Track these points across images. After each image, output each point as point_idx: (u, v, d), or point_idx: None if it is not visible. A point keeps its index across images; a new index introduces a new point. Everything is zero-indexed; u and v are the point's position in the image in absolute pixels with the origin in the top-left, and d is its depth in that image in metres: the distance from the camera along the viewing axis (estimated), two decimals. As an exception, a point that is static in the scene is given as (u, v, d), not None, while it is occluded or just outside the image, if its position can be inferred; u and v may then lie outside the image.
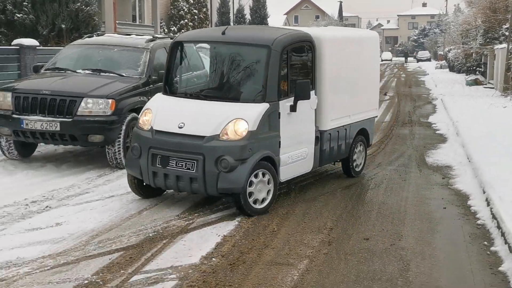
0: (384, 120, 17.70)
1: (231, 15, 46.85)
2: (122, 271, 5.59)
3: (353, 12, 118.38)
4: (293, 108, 7.73)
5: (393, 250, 6.43)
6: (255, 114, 7.29)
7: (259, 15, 50.92)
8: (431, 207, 8.22)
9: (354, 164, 9.75)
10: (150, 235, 6.66)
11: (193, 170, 7.16)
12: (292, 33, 8.19)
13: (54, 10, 18.24)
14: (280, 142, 7.62)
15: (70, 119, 9.24)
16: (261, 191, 7.42)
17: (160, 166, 7.37)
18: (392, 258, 6.19)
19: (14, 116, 9.56)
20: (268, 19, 51.56)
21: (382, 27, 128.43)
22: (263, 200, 7.50)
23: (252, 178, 7.25)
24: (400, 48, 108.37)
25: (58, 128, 9.30)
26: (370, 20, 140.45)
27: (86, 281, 5.33)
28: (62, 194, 7.99)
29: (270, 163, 7.48)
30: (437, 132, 15.50)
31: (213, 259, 5.99)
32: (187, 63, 8.97)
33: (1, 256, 5.84)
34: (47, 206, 7.65)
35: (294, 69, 8.28)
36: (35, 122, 9.38)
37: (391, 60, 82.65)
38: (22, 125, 9.47)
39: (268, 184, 7.50)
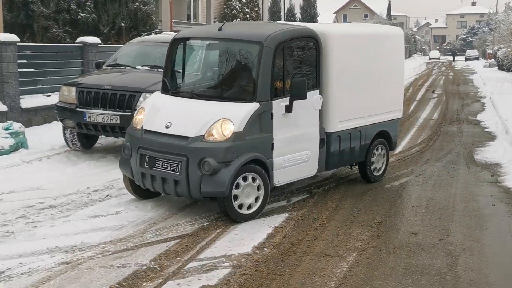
0: (432, 118, 17.37)
1: (282, 14, 46.77)
2: (178, 258, 5.68)
3: (402, 11, 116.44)
4: (288, 109, 7.01)
5: (442, 245, 6.31)
6: (242, 114, 6.66)
7: (309, 14, 50.67)
8: (480, 204, 8.04)
9: (372, 168, 8.86)
10: (205, 224, 6.74)
11: (177, 172, 6.60)
12: (291, 29, 7.48)
13: (114, 10, 18.61)
14: (273, 144, 6.96)
15: (129, 113, 9.42)
16: (248, 196, 6.78)
17: (147, 167, 6.85)
18: (440, 253, 6.08)
19: (78, 109, 9.82)
20: (318, 18, 51.22)
21: (430, 26, 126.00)
22: (250, 206, 6.85)
23: (240, 181, 6.67)
24: (448, 47, 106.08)
25: (118, 121, 9.50)
26: (419, 19, 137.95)
27: (144, 267, 5.44)
28: (121, 184, 8.16)
29: (261, 166, 6.85)
30: (485, 130, 15.11)
31: (265, 249, 6.02)
32: (184, 61, 8.03)
33: (67, 240, 6.02)
34: (107, 195, 7.83)
35: (292, 68, 7.45)
36: (97, 115, 9.61)
37: (438, 58, 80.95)
38: (85, 118, 9.71)
39: (258, 190, 6.86)
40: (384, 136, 9.00)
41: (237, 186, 6.64)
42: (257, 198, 6.87)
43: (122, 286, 4.99)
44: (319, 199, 7.98)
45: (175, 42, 7.92)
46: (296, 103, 7.06)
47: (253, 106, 6.74)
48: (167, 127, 6.81)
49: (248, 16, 37.45)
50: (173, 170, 6.64)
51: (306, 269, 5.55)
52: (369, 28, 10.27)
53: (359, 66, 8.29)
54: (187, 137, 6.61)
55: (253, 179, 6.78)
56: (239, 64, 7.48)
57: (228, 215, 6.70)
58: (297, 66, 7.58)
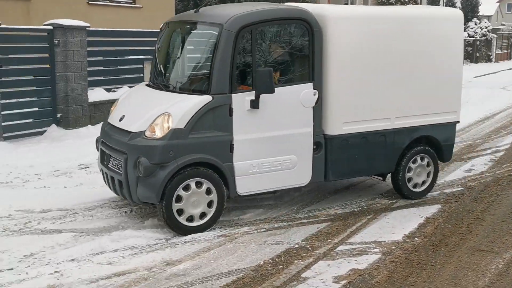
0: None
1: (440, 3, 44.67)
2: (329, 240, 5.72)
3: None
4: (254, 104, 5.70)
5: None
6: (184, 109, 5.52)
7: (470, 3, 47.82)
8: None
9: (409, 182, 7.03)
10: (355, 210, 6.71)
11: (120, 172, 5.74)
12: (266, 9, 6.05)
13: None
14: (232, 145, 5.72)
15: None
16: (196, 205, 5.64)
17: (105, 163, 6.07)
18: None
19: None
20: (479, 7, 48.18)
21: None
22: (201, 216, 5.71)
23: (180, 191, 5.55)
24: None
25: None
26: None
27: (296, 245, 5.55)
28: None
29: (215, 171, 5.70)
30: None
31: (416, 238, 5.85)
32: (167, 48, 6.74)
33: (225, 215, 6.32)
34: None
35: (268, 56, 6.17)
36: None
37: None
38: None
39: (208, 196, 5.72)
40: (429, 143, 7.15)
41: (178, 197, 5.56)
42: (210, 206, 5.74)
43: (275, 262, 5.13)
44: (474, 192, 7.56)
45: (162, 27, 6.81)
46: (276, 98, 5.81)
47: (202, 100, 5.55)
48: (120, 120, 5.97)
49: (405, 5, 36.26)
50: (118, 169, 5.79)
51: (458, 262, 5.31)
52: (403, 10, 7.89)
53: (378, 56, 6.54)
54: (130, 133, 5.69)
55: (203, 186, 5.65)
56: (199, 50, 6.31)
57: (170, 226, 5.62)
58: (277, 54, 6.24)
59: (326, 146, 6.29)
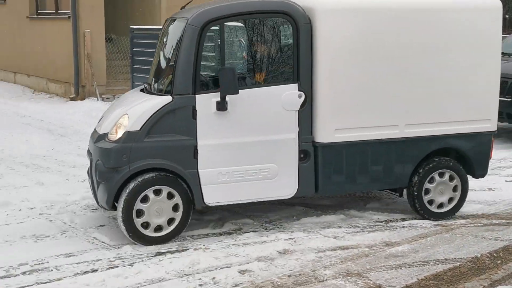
0: None
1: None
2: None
3: None
4: (220, 106, 5.02)
5: None
6: (141, 110, 5.04)
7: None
8: None
9: (427, 200, 5.79)
10: None
11: (89, 175, 5.45)
12: (242, 2, 5.37)
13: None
14: (197, 151, 5.08)
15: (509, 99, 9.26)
16: (159, 214, 5.05)
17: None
18: None
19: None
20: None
21: None
22: (159, 228, 5.09)
23: (139, 204, 5.01)
24: None
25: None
26: None
27: (516, 243, 5.29)
28: (495, 165, 8.16)
29: (181, 179, 5.10)
30: None
31: None
32: (157, 49, 6.11)
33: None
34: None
35: (241, 53, 5.68)
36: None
37: None
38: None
39: (175, 209, 5.11)
40: (458, 156, 5.92)
41: (144, 200, 5.00)
42: (171, 219, 5.12)
43: (493, 257, 5.04)
44: None
45: (163, 25, 6.19)
46: (250, 100, 5.15)
47: (161, 101, 5.04)
48: (99, 125, 5.58)
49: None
50: (87, 172, 5.55)
51: None
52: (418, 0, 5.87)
53: (383, 53, 5.45)
54: (99, 135, 5.31)
55: (163, 192, 5.06)
56: (170, 49, 5.58)
57: (133, 239, 5.06)
58: (253, 51, 5.66)
59: (316, 156, 5.38)
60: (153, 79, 5.63)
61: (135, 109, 5.11)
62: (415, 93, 5.58)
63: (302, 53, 5.25)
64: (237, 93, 4.98)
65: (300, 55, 5.25)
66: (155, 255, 4.88)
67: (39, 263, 4.72)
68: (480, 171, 6.02)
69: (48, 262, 4.75)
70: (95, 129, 5.57)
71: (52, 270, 4.60)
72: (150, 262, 4.74)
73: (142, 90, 5.60)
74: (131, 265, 4.69)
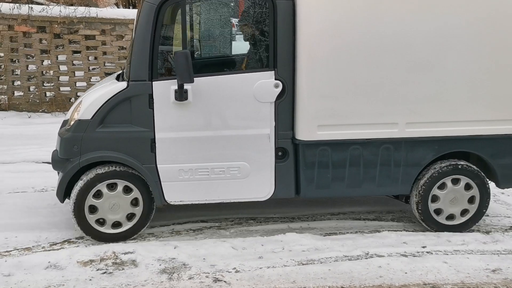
0: None
1: None
2: None
3: None
4: (178, 95, 4.32)
5: None
6: (93, 97, 4.49)
7: None
8: None
9: (433, 210, 4.76)
10: None
11: None
12: None
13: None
14: (154, 144, 4.44)
15: None
16: (115, 210, 4.50)
17: None
18: None
19: None
20: None
21: None
22: (117, 224, 4.53)
23: (91, 199, 4.43)
24: None
25: None
26: None
27: None
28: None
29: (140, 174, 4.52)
30: None
31: None
32: None
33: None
34: None
35: (208, 36, 5.02)
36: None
37: None
38: None
39: (134, 204, 4.53)
40: (477, 161, 4.91)
41: (98, 196, 4.46)
42: (131, 215, 4.54)
43: None
44: None
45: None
46: (215, 89, 4.42)
47: (115, 87, 4.44)
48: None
49: None
50: None
51: None
52: None
53: (379, 36, 4.41)
54: (64, 120, 4.87)
55: (118, 186, 4.50)
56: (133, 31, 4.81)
57: (84, 232, 4.51)
58: (221, 33, 5.11)
59: (296, 154, 4.60)
60: (125, 64, 4.98)
61: (89, 95, 4.55)
62: (419, 86, 4.54)
63: (280, 34, 4.39)
64: (192, 81, 4.23)
65: (278, 38, 4.38)
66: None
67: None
68: (505, 180, 4.91)
69: None
70: None
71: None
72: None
73: (118, 76, 4.96)
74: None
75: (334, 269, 3.91)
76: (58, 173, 4.62)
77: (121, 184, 4.46)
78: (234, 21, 4.98)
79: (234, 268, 3.92)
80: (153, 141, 4.42)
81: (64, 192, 4.45)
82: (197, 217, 4.94)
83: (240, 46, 4.82)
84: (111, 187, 4.47)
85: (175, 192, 4.53)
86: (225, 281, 3.75)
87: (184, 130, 4.43)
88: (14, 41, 8.90)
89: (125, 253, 4.16)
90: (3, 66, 8.91)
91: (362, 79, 4.43)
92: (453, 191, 4.75)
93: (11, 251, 4.27)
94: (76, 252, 4.17)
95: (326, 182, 4.60)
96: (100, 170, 4.41)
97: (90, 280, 3.79)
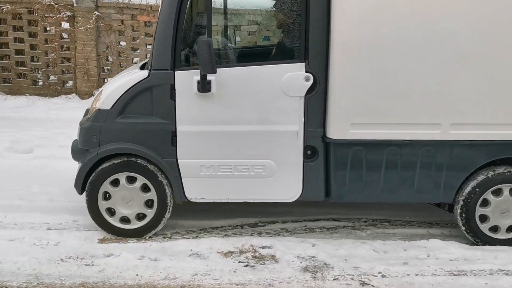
0: None
1: None
2: None
3: None
4: (201, 87, 4.01)
5: None
6: (114, 86, 4.24)
7: None
8: None
9: (482, 220, 4.24)
10: None
11: None
12: None
13: None
14: (175, 137, 4.17)
15: None
16: (129, 204, 4.29)
17: None
18: None
19: None
20: None
21: None
22: (139, 217, 4.33)
23: (107, 185, 4.24)
24: None
25: None
26: None
27: None
28: None
29: (158, 168, 4.25)
30: None
31: None
32: None
33: None
34: None
35: (234, 23, 4.59)
36: None
37: None
38: None
39: (143, 198, 4.29)
40: None
41: (115, 184, 4.27)
42: (142, 214, 4.33)
43: None
44: None
45: None
46: (241, 81, 4.08)
47: (136, 76, 4.17)
48: None
49: None
50: None
51: None
52: None
53: (424, 28, 3.88)
54: (87, 109, 4.71)
55: (137, 182, 4.28)
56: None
57: (99, 226, 4.37)
58: (249, 21, 4.65)
59: (327, 154, 4.21)
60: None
61: (110, 84, 4.33)
62: (467, 83, 3.99)
63: (313, 23, 3.98)
64: (214, 72, 3.92)
65: (311, 26, 3.98)
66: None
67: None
68: None
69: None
70: None
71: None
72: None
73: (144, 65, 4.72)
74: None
75: (491, 283, 3.69)
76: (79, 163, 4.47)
77: (140, 180, 4.25)
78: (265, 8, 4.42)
79: (380, 273, 3.79)
80: (174, 134, 4.16)
81: (82, 184, 4.28)
82: (328, 215, 4.84)
83: (269, 35, 4.35)
84: (130, 180, 4.27)
85: (196, 189, 4.29)
86: (372, 286, 3.64)
87: (207, 123, 4.14)
88: (135, 31, 9.17)
89: (263, 247, 4.14)
90: (123, 55, 9.21)
91: (403, 73, 3.95)
92: (504, 202, 4.20)
93: (151, 237, 4.37)
94: (214, 242, 4.20)
95: (359, 185, 4.19)
96: (118, 161, 4.21)
97: (235, 272, 3.79)
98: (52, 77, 9.39)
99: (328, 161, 4.19)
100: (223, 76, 4.04)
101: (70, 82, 9.35)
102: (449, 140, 4.06)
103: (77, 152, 4.33)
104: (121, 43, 9.27)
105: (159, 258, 3.95)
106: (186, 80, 4.06)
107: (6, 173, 5.66)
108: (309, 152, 4.19)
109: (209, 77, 4.00)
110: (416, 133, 4.05)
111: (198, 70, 3.98)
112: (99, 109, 4.19)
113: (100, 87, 8.72)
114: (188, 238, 4.32)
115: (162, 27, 4.06)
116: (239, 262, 3.94)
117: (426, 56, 3.90)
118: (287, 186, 4.25)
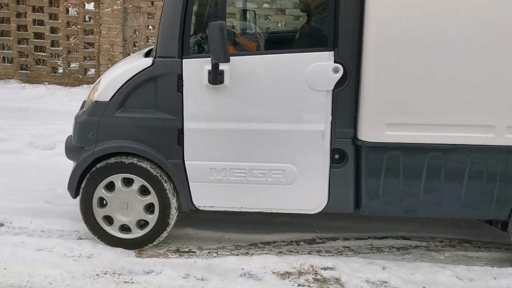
0: None
1: None
2: None
3: None
4: (212, 77, 3.46)
5: None
6: (112, 75, 3.69)
7: None
8: None
9: None
10: None
11: None
12: None
13: None
14: (182, 135, 3.61)
15: None
16: (127, 210, 3.72)
17: None
18: None
19: None
20: None
21: None
22: (140, 224, 3.78)
23: (101, 190, 3.70)
24: None
25: None
26: None
27: None
28: None
29: (162, 170, 3.69)
30: None
31: None
32: None
33: None
34: None
35: (252, 7, 3.97)
36: None
37: None
38: None
39: (142, 202, 3.72)
40: None
41: (110, 187, 3.73)
42: (144, 223, 3.79)
43: None
44: None
45: None
46: (261, 71, 3.51)
47: (137, 65, 3.62)
48: None
49: None
50: None
51: None
52: None
53: (470, 12, 3.29)
54: (84, 100, 4.18)
55: (134, 184, 3.71)
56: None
57: (96, 236, 3.83)
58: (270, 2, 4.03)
59: (357, 159, 3.61)
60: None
61: (109, 73, 3.82)
62: None
63: (344, 6, 3.43)
64: (227, 61, 3.37)
65: (341, 8, 3.42)
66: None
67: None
68: None
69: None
70: None
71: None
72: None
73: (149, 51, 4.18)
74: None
75: None
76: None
77: (137, 181, 3.70)
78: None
79: (469, 306, 3.24)
80: (181, 131, 3.61)
81: (76, 186, 3.74)
82: (396, 232, 4.25)
83: (292, 18, 3.70)
84: (127, 183, 3.73)
85: (205, 195, 3.72)
86: (462, 322, 3.09)
87: (219, 120, 3.59)
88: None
89: (325, 269, 3.60)
90: (152, 40, 8.64)
91: (448, 65, 3.34)
92: None
93: (194, 252, 3.85)
94: (268, 259, 3.67)
95: (395, 196, 3.60)
96: (112, 160, 3.68)
97: (296, 298, 3.27)
98: (73, 65, 8.85)
99: (359, 167, 3.61)
100: (237, 65, 3.48)
101: (92, 70, 8.80)
102: (505, 145, 3.44)
103: (72, 149, 3.82)
104: (150, 27, 8.68)
105: (206, 278, 3.44)
106: (195, 69, 3.53)
107: (28, 171, 5.19)
108: (336, 156, 3.62)
109: (222, 66, 3.46)
110: (464, 136, 3.45)
111: (209, 59, 3.44)
112: (96, 101, 3.66)
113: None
114: (238, 255, 3.79)
115: (169, 7, 3.56)
116: (298, 285, 3.42)
117: (477, 47, 3.29)
118: (310, 195, 3.67)
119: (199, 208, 3.74)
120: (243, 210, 3.76)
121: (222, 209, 3.76)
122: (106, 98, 3.63)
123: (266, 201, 3.70)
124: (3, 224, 4.19)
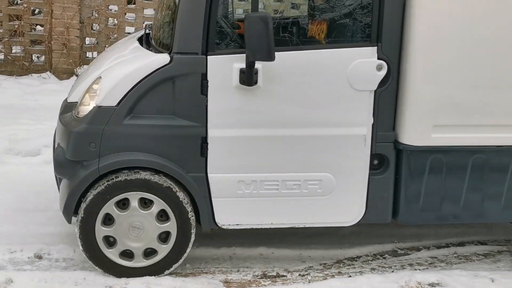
0: None
1: None
2: None
3: None
4: (246, 77, 3.05)
5: None
6: (119, 75, 3.15)
7: None
8: None
9: None
10: None
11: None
12: None
13: None
14: (206, 144, 3.19)
15: None
16: (138, 236, 3.19)
17: None
18: None
19: None
20: None
21: None
22: (147, 253, 3.28)
23: (112, 207, 3.17)
24: None
25: None
26: None
27: None
28: None
29: (179, 186, 3.22)
30: None
31: None
32: None
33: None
34: None
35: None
36: None
37: None
38: None
39: (158, 229, 3.22)
40: None
41: (107, 217, 3.20)
42: (164, 240, 3.29)
43: None
44: None
45: None
46: (298, 70, 3.16)
47: (152, 62, 3.13)
48: (72, 89, 3.81)
49: None
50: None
51: None
52: None
53: None
54: (66, 104, 3.53)
55: (153, 206, 3.21)
56: None
57: (91, 260, 3.25)
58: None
59: (398, 164, 3.35)
60: (157, 24, 3.55)
61: (112, 71, 3.21)
62: None
63: (383, 3, 3.14)
64: (271, 59, 2.94)
65: (386, 1, 3.14)
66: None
67: None
68: None
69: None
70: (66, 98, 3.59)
71: None
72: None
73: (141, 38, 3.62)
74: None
75: None
76: (58, 179, 3.39)
77: (158, 204, 3.17)
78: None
79: None
80: (204, 140, 3.16)
81: (74, 209, 3.18)
82: (464, 236, 4.02)
83: (332, 11, 3.30)
84: (144, 204, 3.20)
85: (231, 211, 3.29)
86: None
87: (249, 126, 3.17)
88: None
89: (432, 285, 3.32)
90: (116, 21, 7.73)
91: (504, 62, 3.14)
92: None
93: (285, 276, 3.42)
94: (373, 279, 3.34)
95: (436, 203, 3.36)
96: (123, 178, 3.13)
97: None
98: (15, 49, 7.71)
99: (399, 172, 3.33)
100: (271, 64, 3.02)
101: (42, 57, 7.72)
102: None
103: (64, 164, 3.19)
104: (110, 7, 7.74)
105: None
106: (223, 68, 3.08)
107: (20, 185, 4.37)
108: (375, 161, 3.32)
109: (256, 64, 3.02)
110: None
111: (240, 55, 3.01)
112: (99, 106, 3.10)
113: (83, 64, 7.31)
114: (333, 275, 3.45)
115: (187, 2, 3.06)
116: (413, 305, 3.09)
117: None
118: (347, 206, 3.35)
119: (222, 227, 3.31)
120: (272, 226, 3.39)
121: (249, 227, 3.36)
122: (113, 102, 3.08)
123: (299, 215, 3.35)
124: (41, 256, 3.45)
